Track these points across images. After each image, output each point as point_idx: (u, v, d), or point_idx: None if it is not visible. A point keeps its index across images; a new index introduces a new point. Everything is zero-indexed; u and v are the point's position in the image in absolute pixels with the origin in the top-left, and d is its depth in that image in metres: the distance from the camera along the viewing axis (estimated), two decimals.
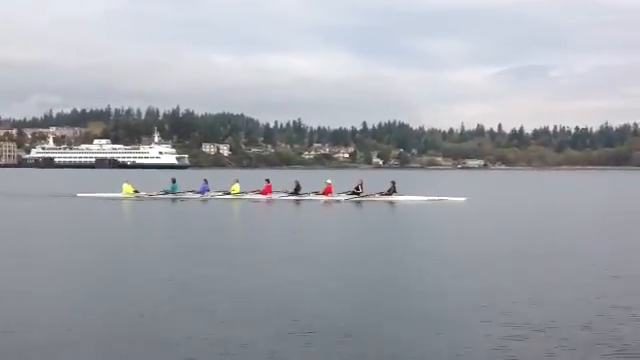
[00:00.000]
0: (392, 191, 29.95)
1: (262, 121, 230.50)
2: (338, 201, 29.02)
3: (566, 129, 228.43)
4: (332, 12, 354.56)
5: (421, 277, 10.23)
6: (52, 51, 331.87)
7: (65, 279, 10.20)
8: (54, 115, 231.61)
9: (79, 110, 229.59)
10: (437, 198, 29.22)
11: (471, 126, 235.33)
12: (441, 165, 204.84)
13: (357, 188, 30.26)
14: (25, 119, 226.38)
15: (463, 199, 29.10)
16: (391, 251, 13.41)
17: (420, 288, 9.25)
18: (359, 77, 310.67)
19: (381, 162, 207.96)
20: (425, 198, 29.39)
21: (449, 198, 29.33)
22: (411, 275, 10.42)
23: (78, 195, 31.80)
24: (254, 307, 7.93)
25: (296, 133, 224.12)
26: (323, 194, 30.21)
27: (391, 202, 28.61)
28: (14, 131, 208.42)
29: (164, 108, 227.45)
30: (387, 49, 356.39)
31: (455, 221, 21.43)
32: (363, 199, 29.29)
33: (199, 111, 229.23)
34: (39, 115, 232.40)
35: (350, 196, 29.81)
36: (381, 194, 29.87)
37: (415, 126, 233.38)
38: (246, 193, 30.65)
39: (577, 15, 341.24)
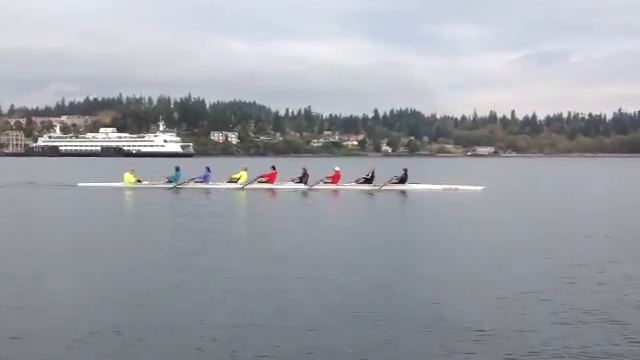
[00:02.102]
0: (405, 178, 28.56)
1: (275, 109, 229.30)
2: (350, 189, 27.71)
3: (580, 116, 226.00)
4: None
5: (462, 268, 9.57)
6: (70, 40, 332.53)
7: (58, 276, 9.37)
8: (66, 104, 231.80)
9: (91, 99, 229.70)
10: (453, 187, 27.90)
11: (487, 113, 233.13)
12: (451, 152, 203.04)
13: (369, 176, 28.90)
14: (38, 108, 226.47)
15: (480, 188, 27.69)
16: (422, 243, 12.79)
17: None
18: (375, 64, 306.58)
19: (390, 150, 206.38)
20: (440, 187, 28.08)
21: (465, 187, 27.99)
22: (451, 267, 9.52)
23: (79, 185, 30.64)
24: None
25: (307, 121, 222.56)
26: (332, 182, 28.84)
27: (404, 191, 27.28)
28: (24, 120, 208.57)
29: (177, 96, 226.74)
30: (404, 35, 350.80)
31: (477, 210, 20.13)
32: (375, 188, 27.94)
33: (212, 99, 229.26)
34: (53, 104, 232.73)
35: (362, 185, 28.46)
36: (392, 182, 28.45)
37: (427, 113, 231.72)
38: (251, 182, 29.21)
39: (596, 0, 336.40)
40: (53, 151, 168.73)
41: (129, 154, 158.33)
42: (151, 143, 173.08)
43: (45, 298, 7.88)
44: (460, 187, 27.91)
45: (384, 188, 27.76)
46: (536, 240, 12.97)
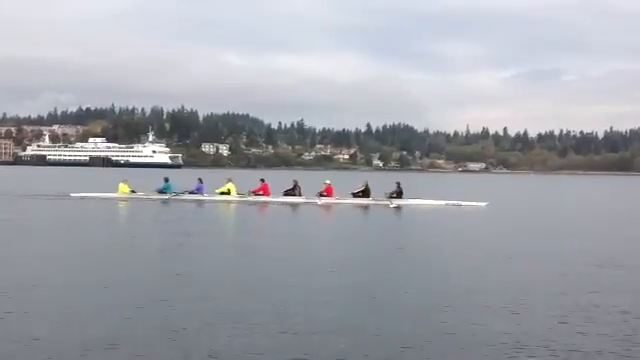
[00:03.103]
0: (399, 193, 27.59)
1: (268, 122, 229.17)
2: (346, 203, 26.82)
3: (572, 133, 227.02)
4: (344, 13, 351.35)
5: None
6: (64, 50, 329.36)
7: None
8: (59, 113, 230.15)
9: (84, 108, 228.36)
10: (456, 203, 27.09)
11: (480, 129, 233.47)
12: (442, 168, 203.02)
13: (361, 191, 28.00)
14: (30, 116, 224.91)
15: (484, 204, 26.91)
16: (454, 262, 11.77)
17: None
18: (370, 79, 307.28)
19: (381, 164, 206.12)
20: (443, 202, 27.27)
21: (468, 203, 27.22)
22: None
23: (72, 195, 29.53)
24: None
25: (299, 134, 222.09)
26: (324, 195, 27.87)
27: (399, 207, 26.12)
28: (14, 129, 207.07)
29: (171, 107, 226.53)
30: (400, 51, 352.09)
31: (488, 227, 19.29)
32: (370, 202, 27.08)
33: (205, 111, 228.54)
34: (45, 113, 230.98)
35: (356, 199, 27.60)
36: (386, 196, 27.46)
37: (420, 129, 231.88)
38: (243, 195, 28.30)
39: (593, 19, 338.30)
40: (40, 160, 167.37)
41: (117, 164, 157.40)
42: (140, 153, 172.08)
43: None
44: (463, 203, 27.16)
45: (383, 203, 26.86)
46: (562, 254, 12.62)
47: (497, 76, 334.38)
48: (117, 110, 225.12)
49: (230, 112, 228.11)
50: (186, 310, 7.47)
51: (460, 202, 27.16)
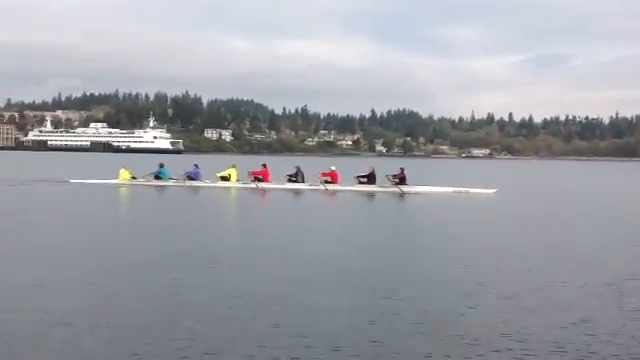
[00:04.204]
0: (402, 178, 26.85)
1: (273, 108, 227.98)
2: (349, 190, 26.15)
3: (577, 119, 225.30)
4: None
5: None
6: (71, 36, 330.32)
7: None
8: (63, 99, 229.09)
9: (88, 94, 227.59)
10: (463, 189, 26.39)
11: (485, 115, 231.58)
12: (445, 154, 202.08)
13: (366, 176, 27.35)
14: (34, 102, 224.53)
15: (492, 191, 26.18)
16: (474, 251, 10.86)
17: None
18: (376, 64, 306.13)
19: (384, 150, 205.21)
20: (450, 189, 26.54)
21: (476, 190, 26.50)
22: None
23: (72, 181, 29.00)
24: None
25: (303, 120, 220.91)
26: (329, 182, 27.27)
27: (403, 193, 25.56)
28: (17, 114, 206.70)
29: (175, 93, 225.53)
30: (407, 36, 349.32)
31: (499, 214, 18.62)
32: (376, 189, 26.43)
33: (210, 96, 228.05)
34: (50, 99, 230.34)
35: (361, 186, 26.93)
36: (389, 178, 26.74)
37: (425, 114, 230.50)
38: (240, 181, 27.79)
39: (601, 4, 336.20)
40: (41, 145, 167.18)
41: (118, 150, 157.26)
42: (140, 139, 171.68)
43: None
44: (471, 190, 26.43)
45: (390, 190, 26.24)
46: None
47: (504, 61, 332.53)
48: (121, 95, 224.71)
49: (234, 98, 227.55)
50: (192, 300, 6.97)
51: (467, 189, 26.46)
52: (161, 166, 29.00)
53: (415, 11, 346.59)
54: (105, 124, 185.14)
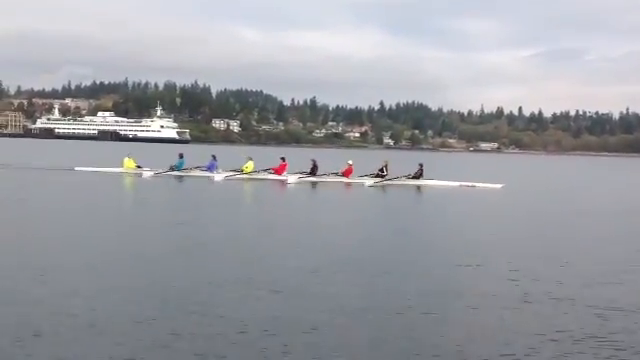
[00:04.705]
0: (420, 174, 27.02)
1: (283, 99, 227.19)
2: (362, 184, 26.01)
3: (587, 114, 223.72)
4: None
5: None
6: (83, 24, 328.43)
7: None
8: (73, 87, 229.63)
9: (98, 83, 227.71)
10: (470, 184, 26.30)
11: (495, 109, 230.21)
12: (453, 147, 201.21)
13: (382, 170, 27.24)
14: (44, 89, 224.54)
15: (499, 186, 26.01)
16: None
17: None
18: (388, 57, 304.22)
19: (392, 142, 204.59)
20: (457, 183, 26.43)
21: (483, 184, 26.38)
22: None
23: (76, 169, 29.07)
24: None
25: (312, 111, 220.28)
26: (343, 175, 27.32)
27: (419, 186, 25.78)
28: (26, 101, 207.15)
29: (185, 83, 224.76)
30: (419, 28, 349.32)
31: (509, 209, 18.46)
32: (389, 183, 26.29)
33: (220, 86, 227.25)
34: (60, 87, 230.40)
35: (375, 179, 26.80)
36: (408, 177, 26.95)
37: (435, 107, 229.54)
38: (258, 172, 27.62)
39: None
40: (49, 133, 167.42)
41: (126, 138, 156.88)
42: (147, 128, 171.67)
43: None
44: (477, 184, 26.34)
45: (397, 182, 26.19)
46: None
47: (517, 55, 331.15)
48: (130, 84, 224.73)
49: (243, 88, 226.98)
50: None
51: (474, 183, 26.39)
52: (180, 157, 28.62)
53: (429, 3, 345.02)
54: (113, 113, 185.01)
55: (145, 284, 7.62)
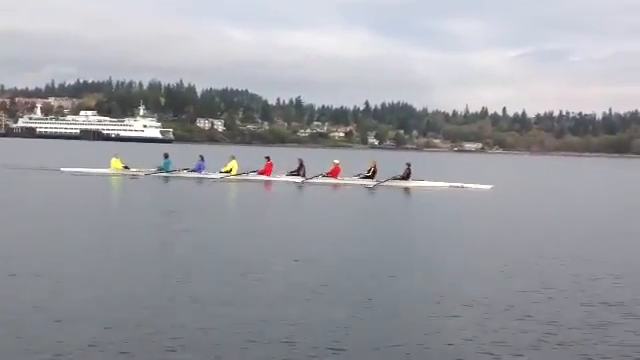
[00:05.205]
0: (407, 174, 26.84)
1: (269, 98, 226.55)
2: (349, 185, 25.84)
3: (571, 114, 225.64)
4: None
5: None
6: (68, 23, 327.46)
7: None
8: (56, 86, 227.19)
9: (81, 81, 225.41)
10: (459, 185, 26.21)
11: (480, 109, 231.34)
12: (438, 147, 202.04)
13: (369, 171, 27.08)
14: (27, 88, 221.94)
15: (489, 187, 25.98)
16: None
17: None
18: (376, 57, 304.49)
19: (377, 142, 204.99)
20: (446, 184, 26.35)
21: (473, 185, 26.33)
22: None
23: (62, 170, 28.58)
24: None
25: (297, 111, 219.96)
26: (330, 175, 27.04)
27: (407, 188, 25.55)
28: (8, 100, 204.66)
29: (170, 82, 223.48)
30: (407, 29, 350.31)
31: (497, 213, 18.39)
32: (377, 184, 26.10)
33: (206, 86, 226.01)
34: (42, 86, 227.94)
35: (363, 180, 26.62)
36: (395, 178, 26.75)
37: (419, 107, 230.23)
38: (246, 173, 27.35)
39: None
40: (30, 133, 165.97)
41: (108, 138, 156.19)
42: (130, 127, 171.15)
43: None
44: (466, 185, 26.28)
45: (385, 184, 25.98)
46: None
47: (503, 56, 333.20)
48: (114, 83, 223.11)
49: (229, 88, 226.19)
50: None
51: (464, 184, 26.31)
52: (166, 157, 28.14)
53: (416, 4, 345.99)
54: (95, 112, 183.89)
55: (126, 289, 7.40)
